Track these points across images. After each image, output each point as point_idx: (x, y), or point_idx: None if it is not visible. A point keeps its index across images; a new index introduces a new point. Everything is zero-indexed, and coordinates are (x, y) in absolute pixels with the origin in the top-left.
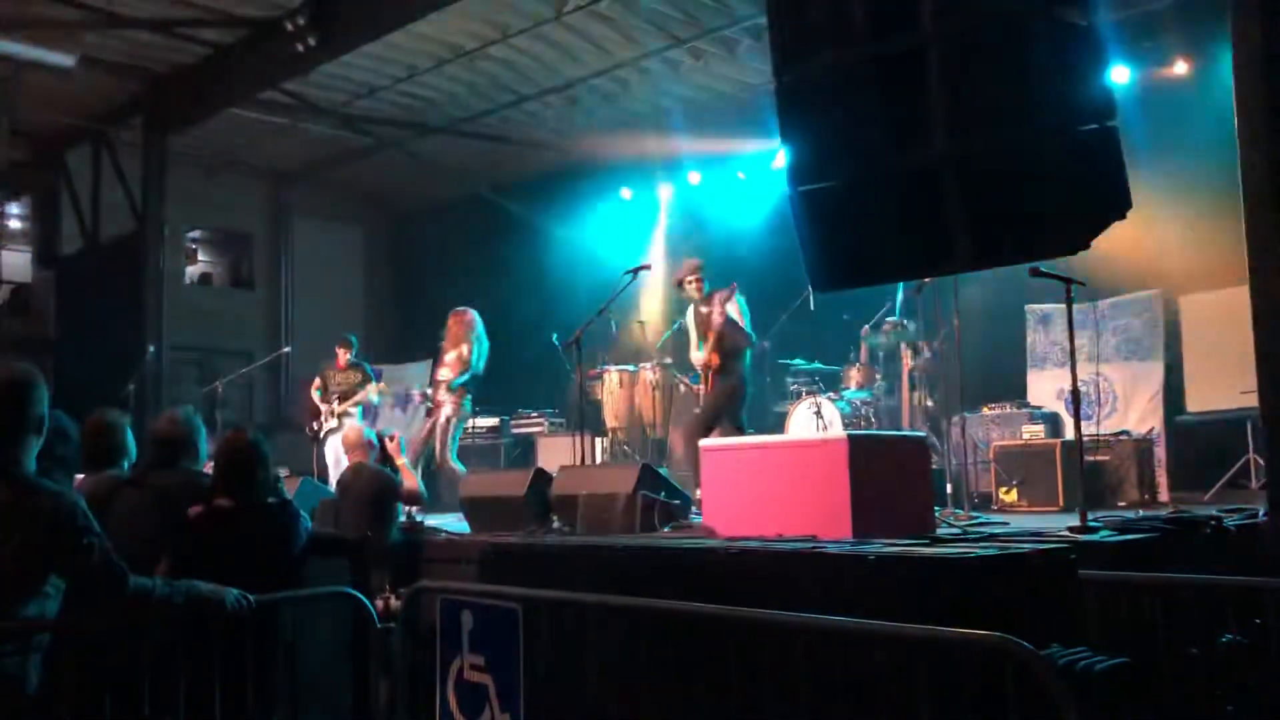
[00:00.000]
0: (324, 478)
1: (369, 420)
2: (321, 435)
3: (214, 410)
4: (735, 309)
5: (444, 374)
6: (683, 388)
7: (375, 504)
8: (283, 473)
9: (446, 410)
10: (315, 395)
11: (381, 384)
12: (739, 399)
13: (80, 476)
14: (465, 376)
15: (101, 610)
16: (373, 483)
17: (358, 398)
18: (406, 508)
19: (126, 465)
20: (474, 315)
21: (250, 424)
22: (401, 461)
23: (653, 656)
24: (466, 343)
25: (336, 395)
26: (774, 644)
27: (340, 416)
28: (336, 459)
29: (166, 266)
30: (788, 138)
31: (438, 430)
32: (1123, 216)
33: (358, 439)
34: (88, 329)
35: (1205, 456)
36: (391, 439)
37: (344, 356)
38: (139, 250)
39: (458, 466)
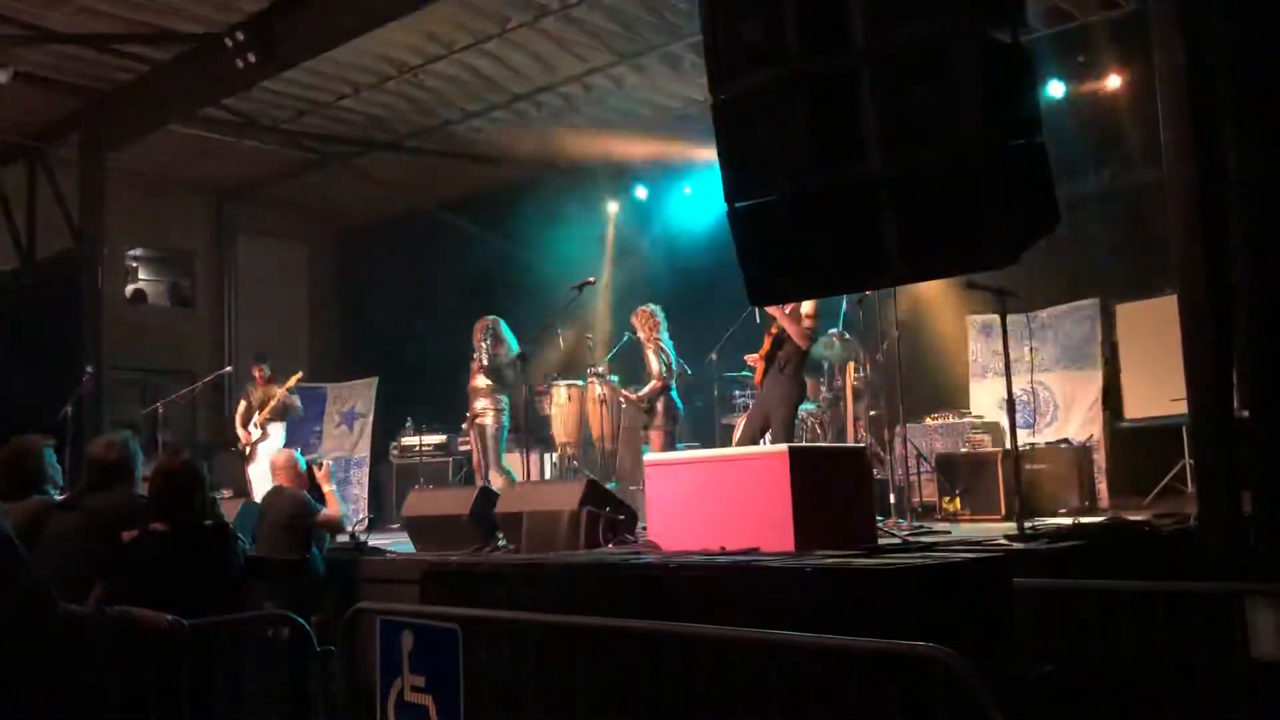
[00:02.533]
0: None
1: (295, 427)
2: (247, 451)
3: (155, 431)
4: (808, 304)
5: (481, 382)
6: (623, 402)
7: (290, 528)
8: (225, 494)
9: (488, 419)
10: (239, 418)
11: (297, 376)
12: (788, 403)
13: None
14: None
15: (30, 637)
16: (290, 506)
17: (275, 400)
18: (341, 531)
19: (52, 490)
20: (495, 319)
21: (190, 446)
22: (329, 489)
23: (592, 673)
24: (502, 344)
25: (258, 408)
26: (709, 658)
27: (263, 426)
28: (262, 475)
29: (106, 286)
30: (725, 155)
31: (487, 439)
32: (1052, 230)
33: (285, 461)
34: (25, 350)
35: (1144, 462)
36: (320, 466)
37: (261, 374)
38: (77, 269)
39: (509, 474)
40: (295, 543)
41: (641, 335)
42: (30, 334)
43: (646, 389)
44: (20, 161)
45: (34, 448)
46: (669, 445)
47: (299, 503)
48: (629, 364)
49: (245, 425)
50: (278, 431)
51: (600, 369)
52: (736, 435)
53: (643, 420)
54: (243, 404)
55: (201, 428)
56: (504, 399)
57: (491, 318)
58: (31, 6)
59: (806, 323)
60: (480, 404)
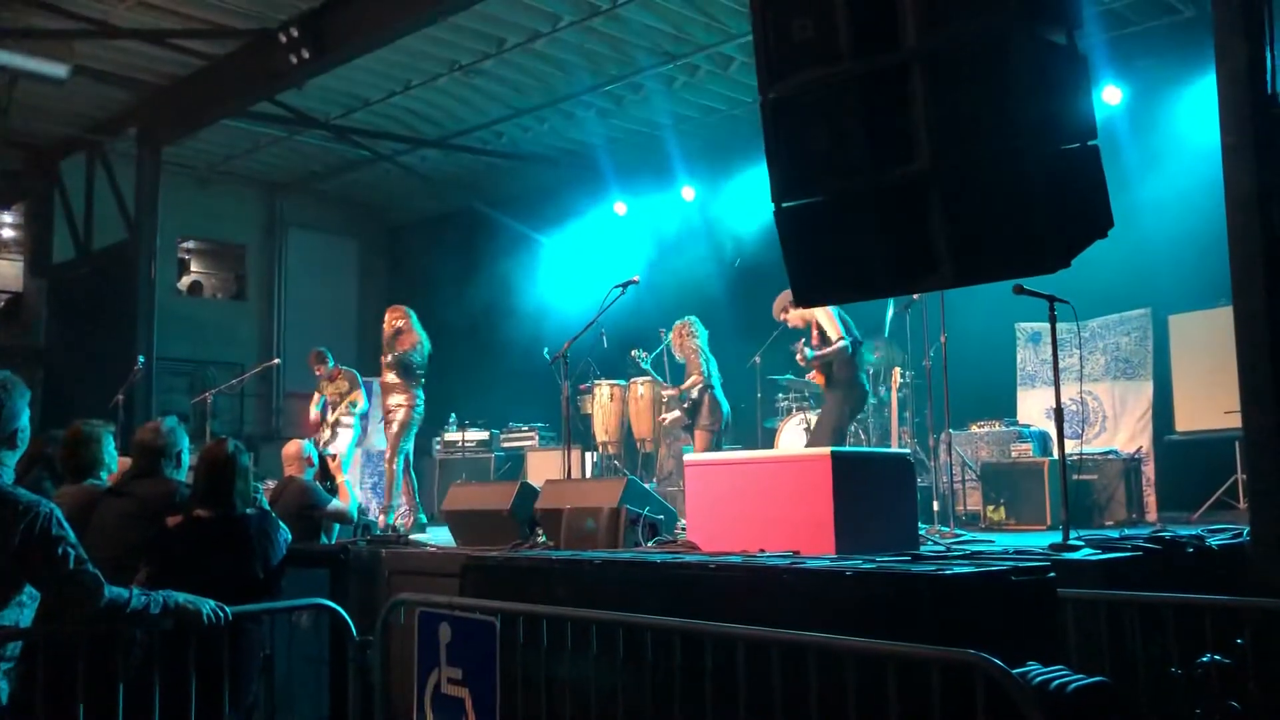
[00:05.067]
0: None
1: (364, 427)
2: (322, 448)
3: (204, 421)
4: (826, 316)
5: (390, 378)
6: (664, 398)
7: (299, 518)
8: (269, 485)
9: (399, 416)
10: (315, 410)
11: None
12: (841, 409)
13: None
14: (414, 377)
15: (76, 620)
16: (296, 498)
17: (351, 400)
18: (348, 523)
19: (105, 476)
20: (405, 309)
21: (237, 436)
22: (341, 480)
23: (629, 670)
24: (409, 336)
25: (331, 405)
26: (747, 659)
27: (334, 427)
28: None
29: (159, 277)
30: (773, 153)
31: (392, 430)
32: (1104, 235)
33: (296, 452)
34: (79, 339)
35: (1194, 476)
36: (333, 458)
37: (324, 369)
38: (131, 260)
39: (397, 471)
40: (304, 532)
41: (675, 352)
42: (86, 322)
43: (688, 382)
44: (79, 153)
45: (94, 434)
46: (713, 445)
47: (306, 495)
48: (672, 366)
49: (317, 426)
50: (345, 433)
51: (643, 368)
52: (779, 440)
53: (686, 419)
54: (316, 396)
55: (249, 419)
56: (417, 393)
57: (402, 307)
58: (93, 0)
59: (834, 339)
60: (393, 399)
